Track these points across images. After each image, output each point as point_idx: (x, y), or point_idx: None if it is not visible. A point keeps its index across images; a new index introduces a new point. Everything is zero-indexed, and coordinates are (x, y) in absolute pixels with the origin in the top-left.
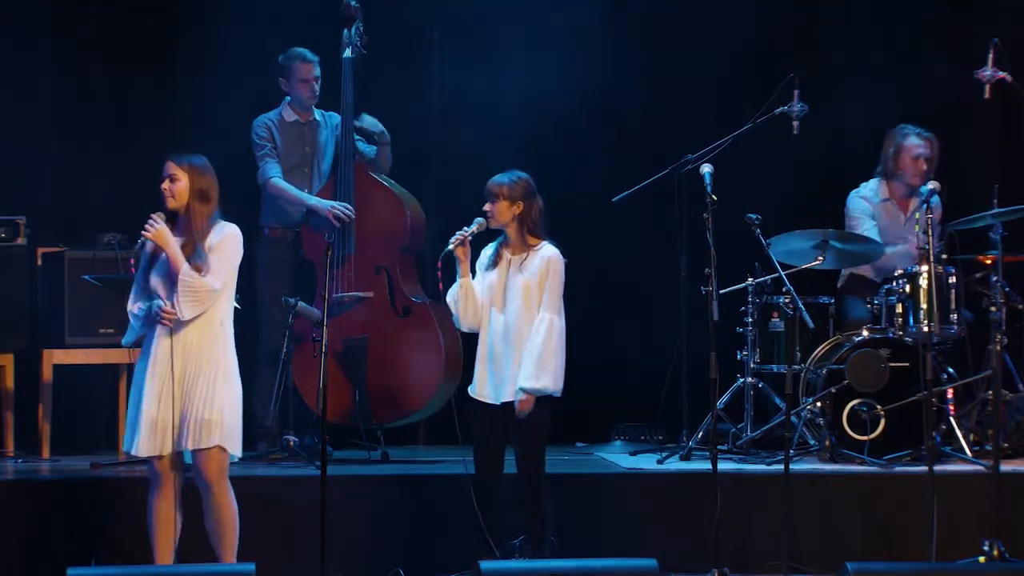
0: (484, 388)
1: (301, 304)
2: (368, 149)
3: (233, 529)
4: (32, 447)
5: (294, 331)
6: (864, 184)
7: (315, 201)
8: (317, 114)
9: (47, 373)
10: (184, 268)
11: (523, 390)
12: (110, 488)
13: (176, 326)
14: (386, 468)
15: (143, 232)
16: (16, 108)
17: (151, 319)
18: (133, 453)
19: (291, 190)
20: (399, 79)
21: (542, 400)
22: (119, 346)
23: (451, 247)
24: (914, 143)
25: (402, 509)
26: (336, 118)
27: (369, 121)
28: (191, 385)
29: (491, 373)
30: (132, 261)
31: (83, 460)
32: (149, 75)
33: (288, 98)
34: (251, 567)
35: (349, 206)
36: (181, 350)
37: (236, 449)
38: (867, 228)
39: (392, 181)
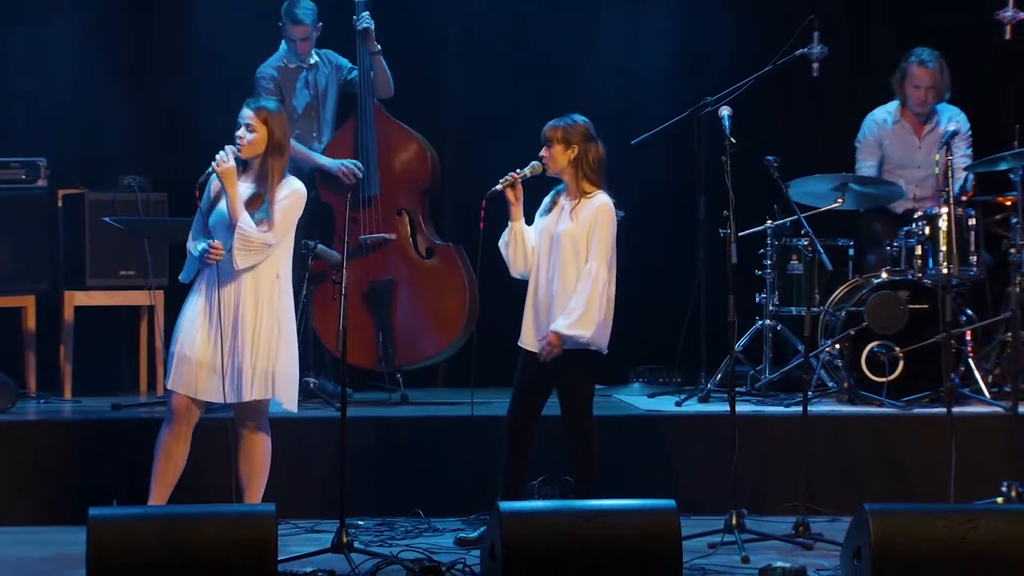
0: (530, 338)
1: (320, 247)
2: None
3: (266, 471)
4: (54, 388)
5: (313, 273)
6: (885, 105)
7: (323, 160)
8: (315, 54)
9: (68, 315)
10: (243, 218)
11: (554, 331)
12: (131, 429)
13: (234, 277)
14: (405, 410)
15: (213, 162)
16: (37, 50)
17: (204, 258)
18: (170, 388)
19: (298, 147)
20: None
21: (584, 357)
22: (140, 288)
23: (499, 187)
24: (914, 72)
25: (421, 450)
26: (335, 56)
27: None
28: (253, 337)
29: (536, 324)
30: (197, 193)
31: (104, 401)
32: (167, 17)
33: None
34: (271, 507)
35: (359, 163)
36: (242, 303)
37: (293, 404)
38: (865, 161)
39: (407, 124)
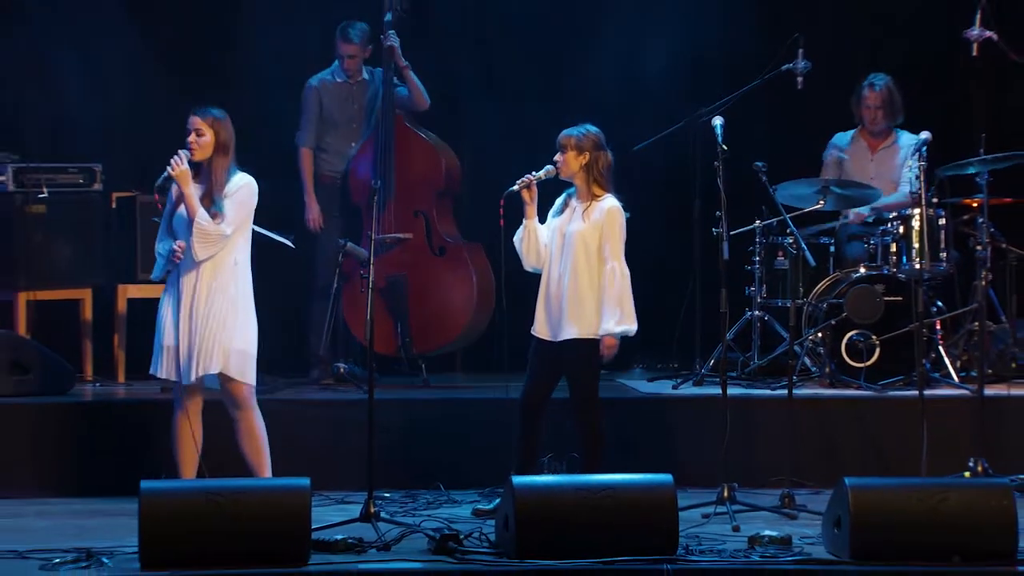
0: (542, 328)
1: (350, 244)
2: (400, 90)
3: (265, 446)
4: (108, 372)
5: (343, 269)
6: (847, 132)
7: (309, 199)
8: (365, 72)
9: (121, 306)
10: (199, 213)
11: (607, 335)
12: None
13: (193, 266)
14: (427, 393)
15: (168, 167)
16: (93, 64)
17: (170, 258)
18: (157, 376)
19: (304, 171)
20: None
21: (592, 346)
22: None
23: (515, 188)
24: (864, 95)
25: (442, 429)
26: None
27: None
28: (210, 319)
29: (548, 315)
30: (157, 196)
31: (154, 384)
32: (214, 30)
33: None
34: (306, 481)
35: (320, 222)
36: (198, 287)
37: (251, 377)
38: (827, 176)
39: (429, 132)
